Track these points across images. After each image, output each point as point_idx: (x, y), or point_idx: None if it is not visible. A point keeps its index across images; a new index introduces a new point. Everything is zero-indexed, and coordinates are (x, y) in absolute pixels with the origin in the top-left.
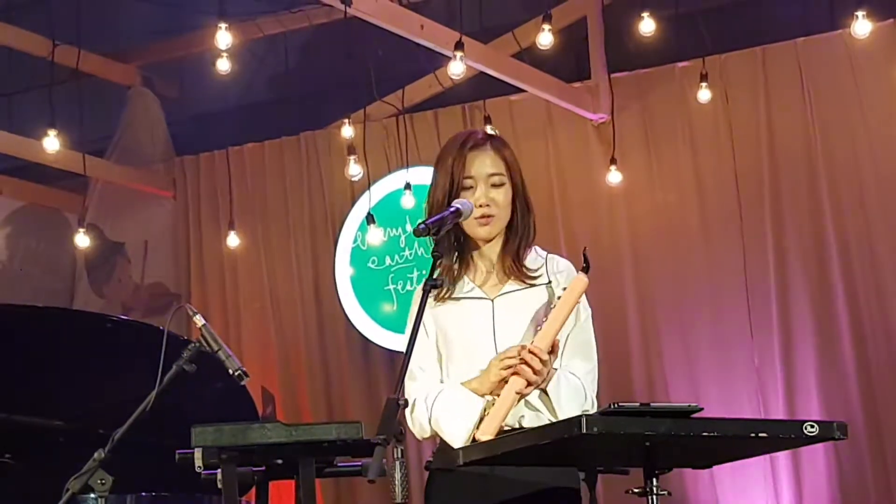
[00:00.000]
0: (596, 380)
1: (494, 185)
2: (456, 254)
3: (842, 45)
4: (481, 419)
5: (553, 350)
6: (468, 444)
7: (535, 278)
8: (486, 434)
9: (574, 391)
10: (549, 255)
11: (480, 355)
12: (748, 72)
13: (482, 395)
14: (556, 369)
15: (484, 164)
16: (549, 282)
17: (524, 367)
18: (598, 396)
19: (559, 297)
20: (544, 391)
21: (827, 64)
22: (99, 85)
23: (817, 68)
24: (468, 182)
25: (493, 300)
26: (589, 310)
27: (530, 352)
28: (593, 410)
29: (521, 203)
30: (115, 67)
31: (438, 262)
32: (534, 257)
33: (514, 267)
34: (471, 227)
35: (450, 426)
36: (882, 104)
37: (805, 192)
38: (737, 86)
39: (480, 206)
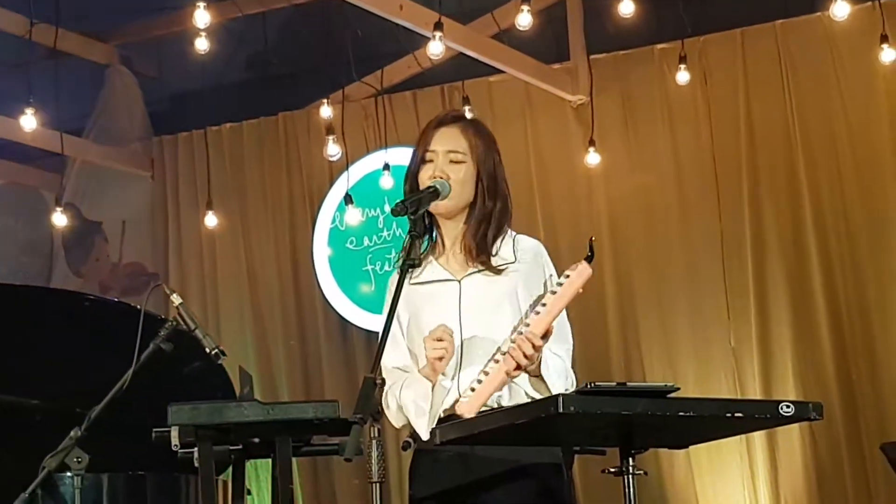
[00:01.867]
0: (571, 358)
1: (452, 162)
2: (425, 235)
3: (821, 27)
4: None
5: (546, 335)
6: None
7: (501, 267)
8: (468, 413)
9: (558, 372)
10: (517, 236)
11: None
12: (727, 54)
13: (432, 379)
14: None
15: (446, 140)
16: (515, 261)
17: (516, 350)
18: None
19: (559, 284)
20: (536, 376)
21: (806, 46)
22: (77, 64)
23: (796, 50)
24: (429, 156)
25: (460, 281)
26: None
27: (526, 338)
28: (572, 388)
29: (484, 187)
30: (93, 46)
31: (416, 241)
32: (505, 241)
33: (476, 251)
34: None
35: (414, 420)
36: (860, 86)
37: (783, 173)
38: (716, 68)
39: (433, 177)
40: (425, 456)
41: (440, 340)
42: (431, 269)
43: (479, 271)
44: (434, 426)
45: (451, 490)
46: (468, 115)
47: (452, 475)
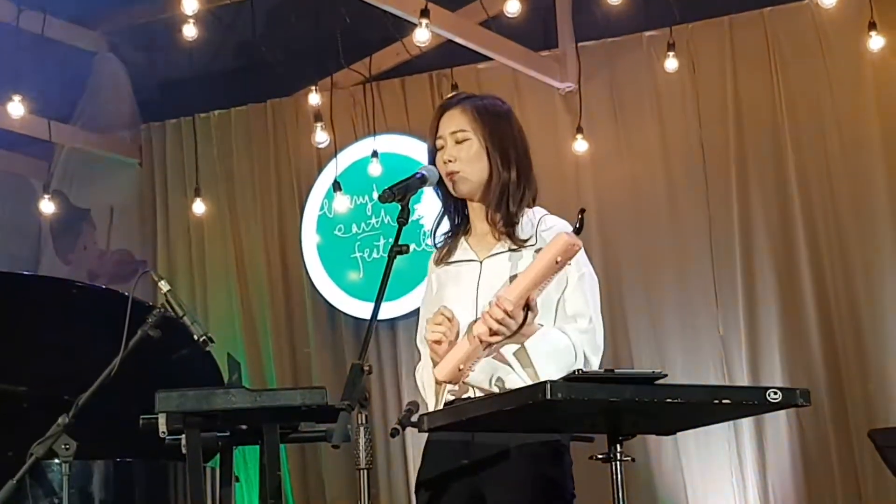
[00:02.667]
0: (595, 341)
1: (458, 142)
2: (458, 217)
3: (809, 14)
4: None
5: (528, 305)
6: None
7: (524, 240)
8: (439, 376)
9: (555, 350)
10: (544, 216)
11: (462, 317)
12: (715, 41)
13: (436, 361)
14: (541, 325)
15: (449, 123)
16: (536, 242)
17: (487, 316)
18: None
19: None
20: (522, 346)
21: (794, 34)
22: (65, 51)
23: (784, 38)
24: (439, 143)
25: (481, 262)
26: (582, 271)
27: (496, 303)
28: (586, 368)
29: (494, 159)
30: (80, 33)
31: (404, 227)
32: (529, 219)
33: (501, 227)
34: (449, 187)
35: (426, 400)
36: (848, 74)
37: (771, 161)
38: (704, 55)
39: (445, 163)
40: (431, 440)
41: (439, 324)
42: (460, 249)
43: (500, 252)
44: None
45: (451, 472)
46: (471, 95)
47: (453, 459)
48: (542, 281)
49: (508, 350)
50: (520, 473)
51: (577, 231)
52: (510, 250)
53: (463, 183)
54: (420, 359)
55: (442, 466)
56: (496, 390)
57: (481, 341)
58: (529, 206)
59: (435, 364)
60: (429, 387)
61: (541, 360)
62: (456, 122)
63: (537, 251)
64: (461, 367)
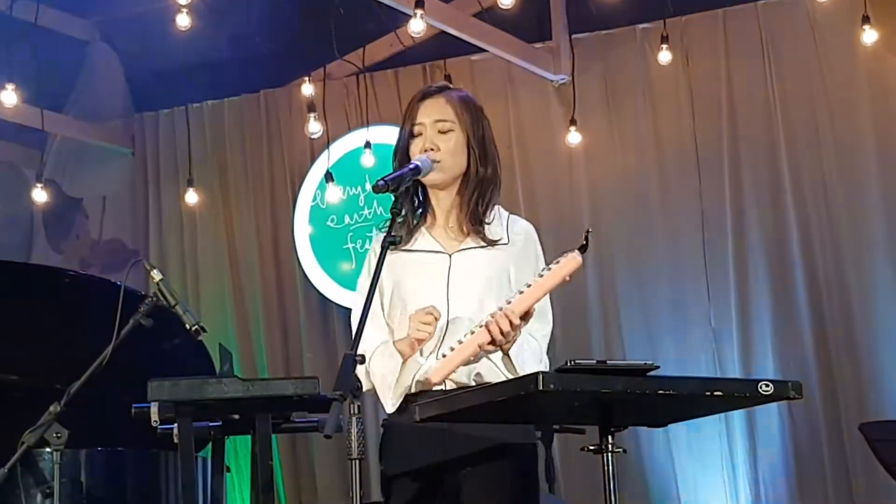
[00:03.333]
0: (547, 342)
1: (441, 132)
2: (416, 204)
3: (803, 8)
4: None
5: (526, 317)
6: (398, 403)
7: (494, 240)
8: (435, 379)
9: (534, 354)
10: (511, 216)
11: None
12: (709, 34)
13: (407, 354)
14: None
15: (432, 111)
16: (508, 242)
17: (493, 325)
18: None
19: (548, 269)
20: (507, 354)
21: (787, 27)
22: (58, 40)
23: (778, 31)
24: (417, 129)
25: (451, 255)
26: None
27: (505, 314)
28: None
29: (474, 153)
30: (74, 22)
31: (397, 218)
32: (496, 215)
33: (471, 223)
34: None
35: (379, 392)
36: (841, 67)
37: (764, 154)
38: (697, 48)
39: (424, 150)
40: (397, 432)
41: (427, 324)
42: (423, 239)
43: (471, 248)
44: (401, 402)
45: (424, 468)
46: (450, 86)
47: (426, 452)
48: (546, 294)
49: (496, 357)
50: (496, 465)
51: (583, 250)
52: (480, 247)
53: (441, 172)
54: (362, 357)
55: (414, 453)
56: (473, 384)
57: (482, 349)
58: (494, 205)
59: (402, 355)
60: (393, 380)
61: (528, 366)
62: (441, 111)
63: (506, 244)
64: (455, 371)
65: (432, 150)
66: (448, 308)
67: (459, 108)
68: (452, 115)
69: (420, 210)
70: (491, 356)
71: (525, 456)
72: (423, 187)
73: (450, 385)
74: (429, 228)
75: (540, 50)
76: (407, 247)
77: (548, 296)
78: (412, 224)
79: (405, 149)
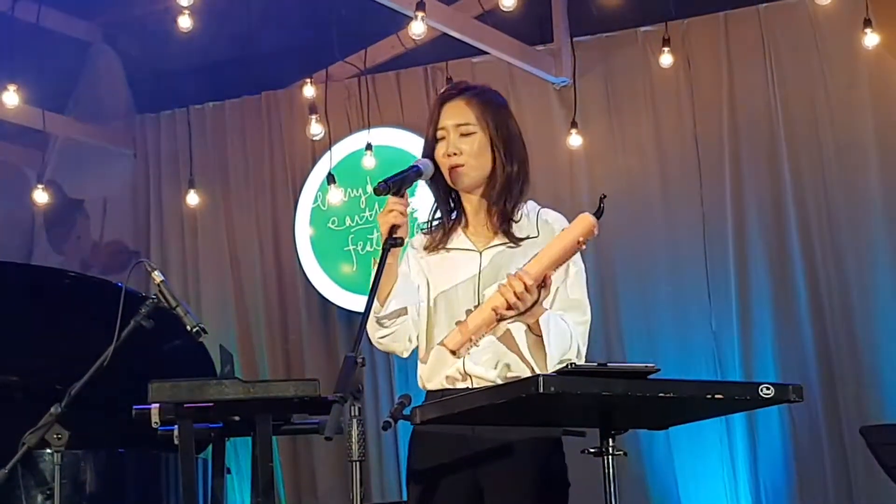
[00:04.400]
0: (587, 334)
1: (462, 135)
2: (451, 206)
3: (804, 11)
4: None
5: (545, 284)
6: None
7: (520, 238)
8: (451, 345)
9: (561, 334)
10: (542, 209)
11: (461, 306)
12: (710, 37)
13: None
14: (546, 309)
15: (453, 114)
16: (537, 234)
17: (507, 288)
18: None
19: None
20: (532, 330)
21: (789, 30)
22: (59, 41)
23: (780, 34)
24: (441, 133)
25: (480, 252)
26: (579, 266)
27: (518, 276)
28: (579, 361)
29: (499, 153)
30: (76, 24)
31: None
32: (525, 213)
33: (498, 222)
34: (447, 179)
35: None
36: (843, 71)
37: (765, 157)
38: (699, 51)
39: (448, 155)
40: (422, 438)
41: (391, 211)
42: (457, 238)
43: (501, 245)
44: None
45: (448, 466)
46: (471, 84)
47: (451, 452)
48: (561, 259)
49: (517, 328)
50: (520, 467)
51: (598, 215)
52: (508, 246)
53: (466, 176)
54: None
55: (438, 458)
56: (499, 380)
57: (496, 313)
58: (523, 201)
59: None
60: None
61: (553, 340)
62: (462, 114)
63: (536, 238)
64: (472, 337)
65: (455, 154)
66: (477, 300)
67: (480, 109)
68: (472, 117)
69: (455, 212)
70: (518, 340)
71: (548, 452)
72: (457, 192)
73: (476, 382)
74: (463, 228)
75: (541, 52)
76: (444, 245)
77: (584, 289)
78: (448, 225)
79: (431, 154)
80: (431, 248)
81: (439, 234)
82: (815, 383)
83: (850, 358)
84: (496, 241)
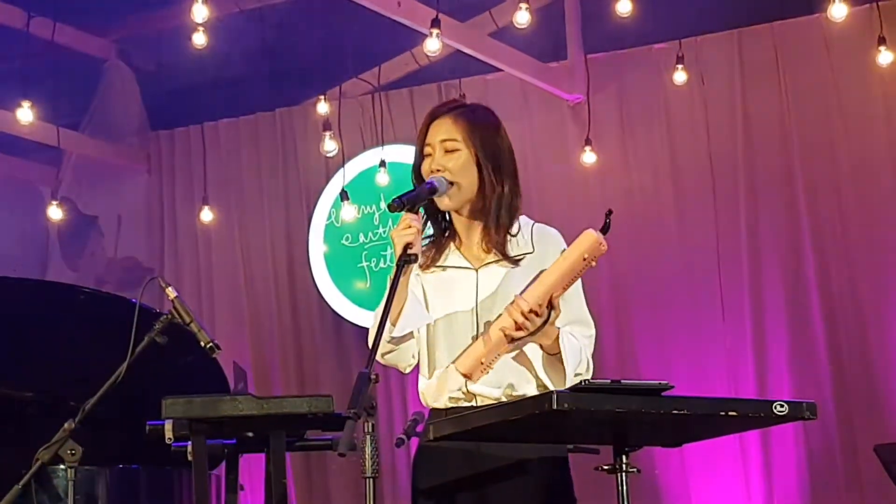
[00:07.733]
0: (592, 347)
1: (447, 151)
2: (444, 224)
3: (818, 28)
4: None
5: (551, 304)
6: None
7: (515, 256)
8: (461, 368)
9: (573, 351)
10: (536, 225)
11: (460, 324)
12: (724, 54)
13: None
14: (558, 328)
15: (439, 131)
16: (532, 251)
17: (515, 308)
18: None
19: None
20: (544, 348)
21: (803, 47)
22: (74, 58)
23: (793, 51)
24: (427, 150)
25: (477, 270)
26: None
27: (524, 297)
28: (587, 375)
29: (487, 172)
30: (90, 40)
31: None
32: (520, 230)
33: (492, 242)
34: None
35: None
36: (857, 88)
37: (779, 174)
38: (713, 68)
39: (432, 171)
40: (429, 454)
41: (408, 227)
42: (452, 256)
43: (497, 262)
44: (429, 420)
45: (455, 483)
46: (463, 103)
47: (457, 469)
48: (568, 278)
49: (529, 347)
50: (527, 483)
51: (604, 231)
52: (503, 265)
53: (448, 198)
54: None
55: (444, 475)
56: (504, 399)
57: (506, 335)
58: (516, 219)
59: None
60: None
61: (570, 357)
62: (446, 130)
63: (531, 254)
64: (482, 360)
65: (438, 170)
66: (477, 322)
67: (467, 127)
68: (458, 134)
69: (447, 230)
70: (532, 359)
71: (555, 469)
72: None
73: (481, 401)
74: (457, 246)
75: (555, 69)
76: (439, 263)
77: (584, 302)
78: (441, 243)
79: (418, 169)
80: (426, 266)
81: (432, 252)
82: (830, 400)
83: (865, 375)
84: (490, 259)
